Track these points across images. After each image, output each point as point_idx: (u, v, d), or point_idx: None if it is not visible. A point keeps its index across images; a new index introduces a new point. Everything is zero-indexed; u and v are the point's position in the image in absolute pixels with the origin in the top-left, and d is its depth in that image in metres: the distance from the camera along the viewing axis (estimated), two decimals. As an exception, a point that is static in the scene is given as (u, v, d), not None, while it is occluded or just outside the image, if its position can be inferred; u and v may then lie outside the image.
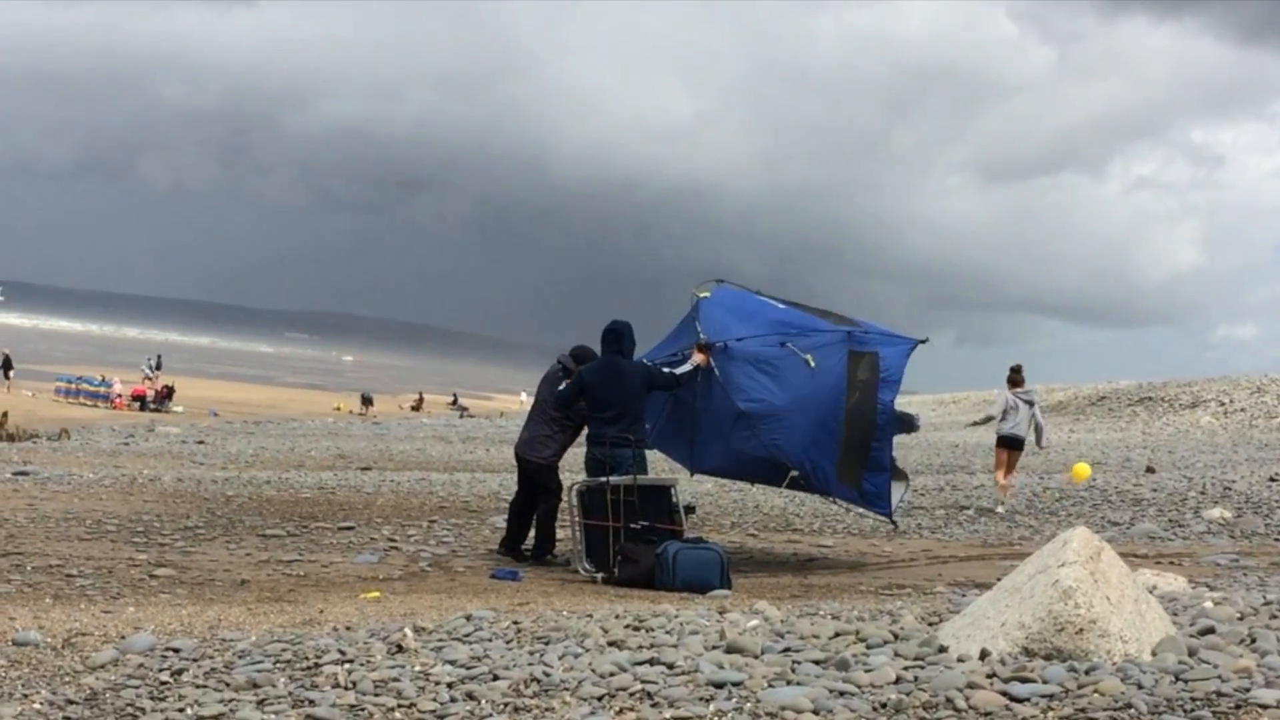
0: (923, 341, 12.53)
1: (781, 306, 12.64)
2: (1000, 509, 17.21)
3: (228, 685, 5.88)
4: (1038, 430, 17.96)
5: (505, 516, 13.07)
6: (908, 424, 12.94)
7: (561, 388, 12.06)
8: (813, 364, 11.81)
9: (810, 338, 12.10)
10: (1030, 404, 17.99)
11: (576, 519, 11.51)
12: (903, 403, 16.67)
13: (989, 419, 18.03)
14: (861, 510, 13.06)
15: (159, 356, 61.43)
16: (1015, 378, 17.99)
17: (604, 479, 11.43)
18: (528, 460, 12.37)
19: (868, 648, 6.12)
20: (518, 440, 12.65)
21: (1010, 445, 17.96)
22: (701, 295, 12.52)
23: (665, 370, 11.93)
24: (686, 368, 11.91)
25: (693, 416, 12.21)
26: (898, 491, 12.69)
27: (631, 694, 5.50)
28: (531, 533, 12.40)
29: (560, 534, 12.50)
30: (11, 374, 49.90)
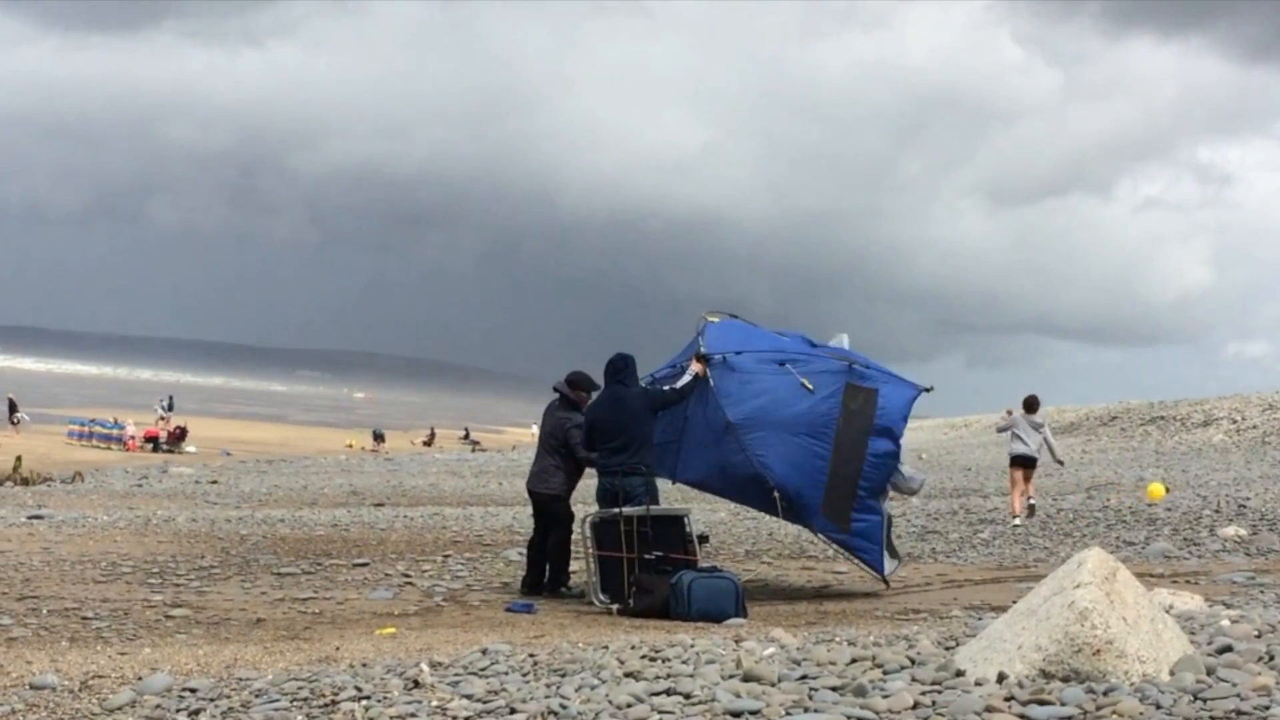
0: (927, 390, 12.52)
1: (788, 339, 12.70)
2: (1016, 520, 18.29)
3: (245, 724, 5.88)
4: (1049, 446, 19.42)
5: (519, 550, 13.06)
6: (905, 486, 12.79)
7: (585, 454, 12.09)
8: (810, 387, 11.84)
9: (810, 364, 12.15)
10: (1039, 427, 19.36)
11: (590, 551, 11.53)
12: (913, 428, 16.65)
13: (1004, 429, 19.76)
14: (848, 555, 12.66)
15: (170, 397, 61.52)
16: (1030, 405, 19.42)
17: (616, 510, 11.46)
18: (536, 492, 12.41)
19: (885, 673, 6.10)
20: (529, 475, 12.69)
21: (1023, 464, 19.21)
22: (711, 319, 12.61)
23: (666, 389, 12.01)
24: (686, 379, 12.00)
25: (683, 426, 12.20)
26: (889, 565, 12.55)
27: (649, 725, 5.49)
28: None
29: (574, 565, 12.50)
30: (16, 417, 49.82)
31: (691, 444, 12.16)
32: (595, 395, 12.16)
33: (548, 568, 12.30)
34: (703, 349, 12.12)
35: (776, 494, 11.73)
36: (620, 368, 11.93)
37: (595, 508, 11.84)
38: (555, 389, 12.56)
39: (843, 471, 11.92)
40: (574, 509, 12.49)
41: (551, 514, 12.31)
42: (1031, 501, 19.08)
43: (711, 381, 11.92)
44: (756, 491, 11.99)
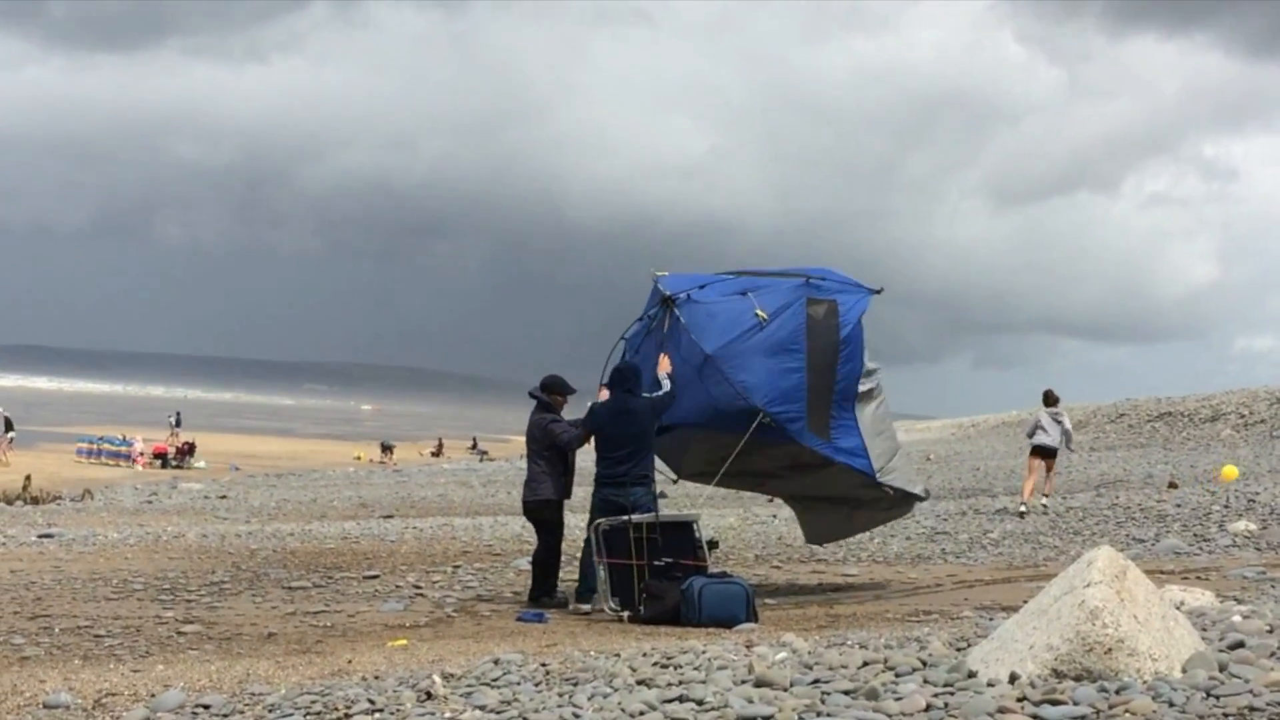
0: (877, 291, 12.67)
1: (734, 277, 12.94)
2: (1023, 508, 19.23)
3: (259, 739, 5.89)
4: (1066, 436, 20.59)
5: (529, 559, 13.06)
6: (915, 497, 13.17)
7: (569, 434, 12.09)
8: (764, 316, 11.97)
9: (769, 289, 12.37)
10: (1059, 421, 20.53)
11: (601, 558, 11.53)
12: (921, 428, 16.65)
13: (1031, 433, 21.00)
14: (844, 461, 12.40)
15: (178, 413, 61.55)
16: (1049, 399, 20.78)
17: (626, 517, 11.47)
18: (526, 501, 12.38)
19: (896, 676, 6.10)
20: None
21: (1043, 454, 20.36)
22: (660, 274, 12.81)
23: (660, 393, 12.03)
24: (668, 384, 12.03)
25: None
26: (902, 469, 12.75)
27: (662, 732, 5.49)
28: (567, 573, 12.34)
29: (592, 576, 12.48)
30: (12, 435, 49.54)
31: (676, 386, 12.22)
32: (602, 400, 12.13)
33: (543, 576, 12.19)
34: (665, 292, 12.30)
35: (765, 416, 11.78)
36: (629, 376, 11.95)
37: (586, 519, 11.83)
38: (531, 395, 12.54)
39: (818, 384, 12.10)
40: (573, 518, 12.44)
41: (542, 520, 12.25)
42: (1044, 502, 19.91)
43: (681, 319, 12.05)
44: (742, 419, 11.97)
